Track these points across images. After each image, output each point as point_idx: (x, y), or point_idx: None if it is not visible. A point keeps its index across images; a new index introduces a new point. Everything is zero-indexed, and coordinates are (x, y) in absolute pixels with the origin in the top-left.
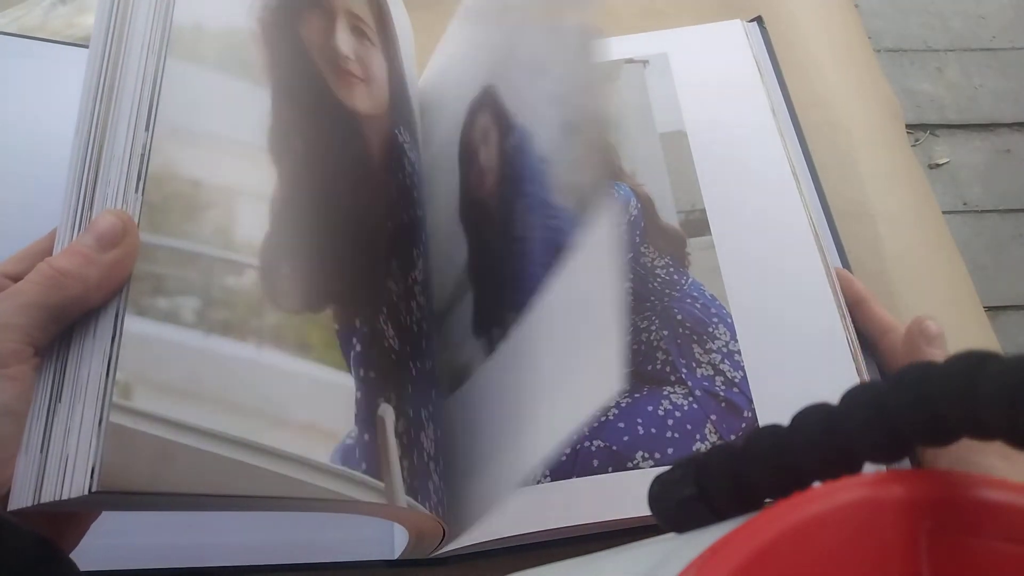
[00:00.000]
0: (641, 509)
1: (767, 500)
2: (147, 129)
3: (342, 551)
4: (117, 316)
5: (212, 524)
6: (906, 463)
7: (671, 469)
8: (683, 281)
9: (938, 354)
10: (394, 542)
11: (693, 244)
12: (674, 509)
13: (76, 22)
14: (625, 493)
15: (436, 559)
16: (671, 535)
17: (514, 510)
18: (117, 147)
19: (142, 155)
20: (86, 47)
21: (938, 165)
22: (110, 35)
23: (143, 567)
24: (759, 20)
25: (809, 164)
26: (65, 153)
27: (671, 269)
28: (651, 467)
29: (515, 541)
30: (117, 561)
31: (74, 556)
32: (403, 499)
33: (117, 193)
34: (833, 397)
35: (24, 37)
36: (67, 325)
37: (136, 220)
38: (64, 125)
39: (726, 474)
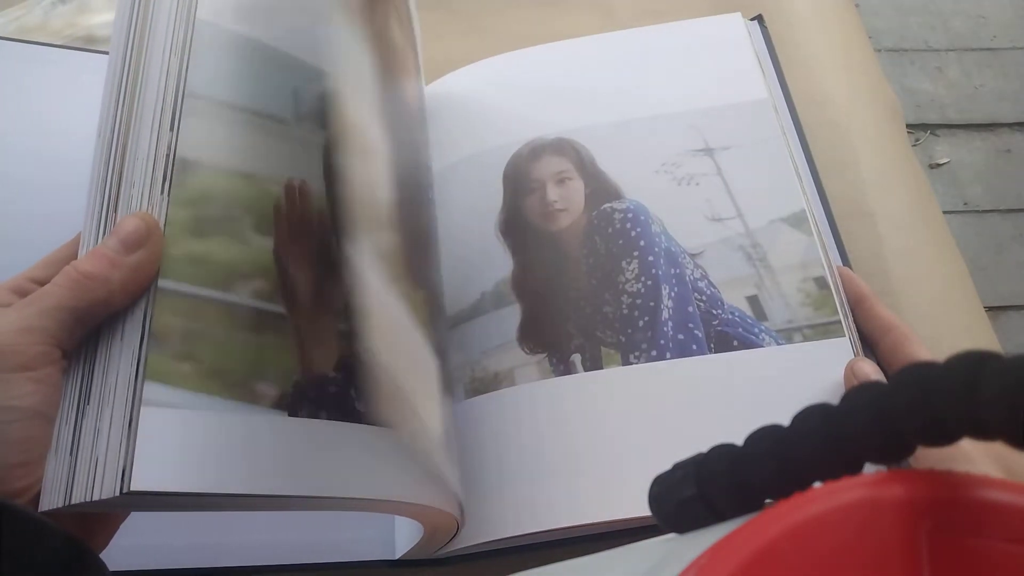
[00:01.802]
0: (641, 509)
1: (767, 500)
2: (172, 129)
3: (343, 551)
4: (145, 318)
5: (212, 524)
6: (907, 463)
7: (671, 469)
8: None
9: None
10: (395, 542)
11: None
12: (674, 509)
13: (77, 22)
14: (625, 493)
15: (437, 559)
16: (671, 535)
17: (514, 510)
18: (141, 148)
19: (167, 155)
20: (88, 51)
21: (938, 165)
22: (131, 34)
23: (142, 568)
24: (759, 19)
25: (810, 163)
26: (79, 156)
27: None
28: None
29: (515, 541)
30: (112, 562)
31: None
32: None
33: (142, 195)
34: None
35: (25, 42)
36: (93, 327)
37: (162, 221)
38: (75, 129)
39: (726, 474)
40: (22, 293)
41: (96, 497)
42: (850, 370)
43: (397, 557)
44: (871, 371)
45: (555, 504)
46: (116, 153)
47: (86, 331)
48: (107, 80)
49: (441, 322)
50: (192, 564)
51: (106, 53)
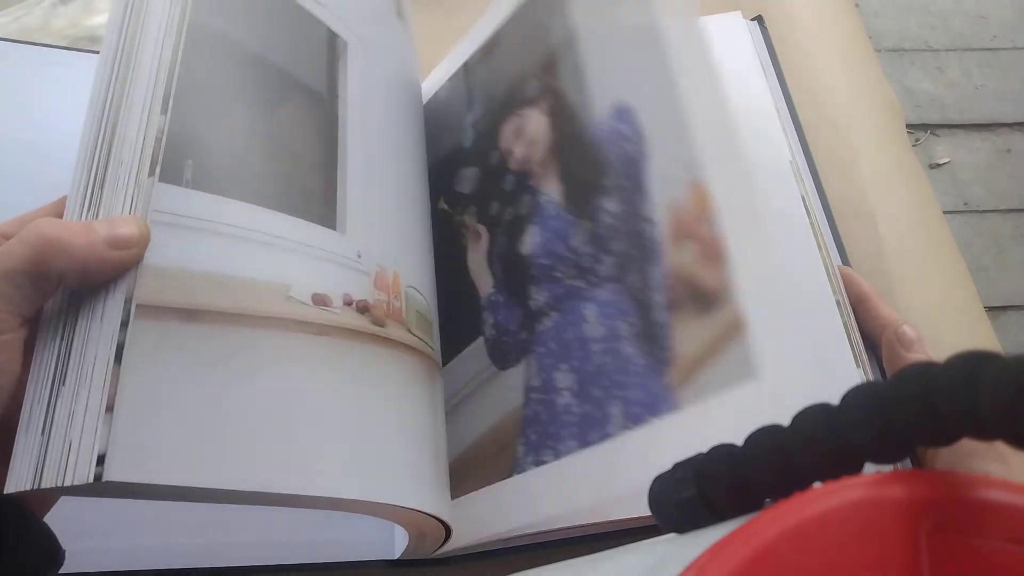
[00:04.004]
0: (641, 509)
1: (767, 500)
2: (163, 112)
3: (342, 551)
4: (128, 302)
5: (211, 524)
6: (907, 463)
7: (671, 469)
8: None
9: (918, 358)
10: (394, 542)
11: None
12: (674, 509)
13: (80, 22)
14: (626, 493)
15: (436, 559)
16: (671, 535)
17: (514, 509)
18: (131, 128)
19: (157, 139)
20: (82, 51)
21: (939, 165)
22: (127, 17)
23: (142, 568)
24: (760, 19)
25: (810, 163)
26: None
27: None
28: None
29: (515, 541)
30: (112, 562)
31: (76, 557)
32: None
33: (130, 174)
34: (835, 396)
35: (24, 43)
36: (50, 296)
37: (150, 206)
38: (67, 130)
39: (726, 474)
40: None
41: (68, 483)
42: (893, 335)
43: (396, 557)
44: (914, 336)
45: (554, 504)
46: (106, 130)
47: (44, 298)
48: (101, 57)
49: (435, 328)
50: (192, 564)
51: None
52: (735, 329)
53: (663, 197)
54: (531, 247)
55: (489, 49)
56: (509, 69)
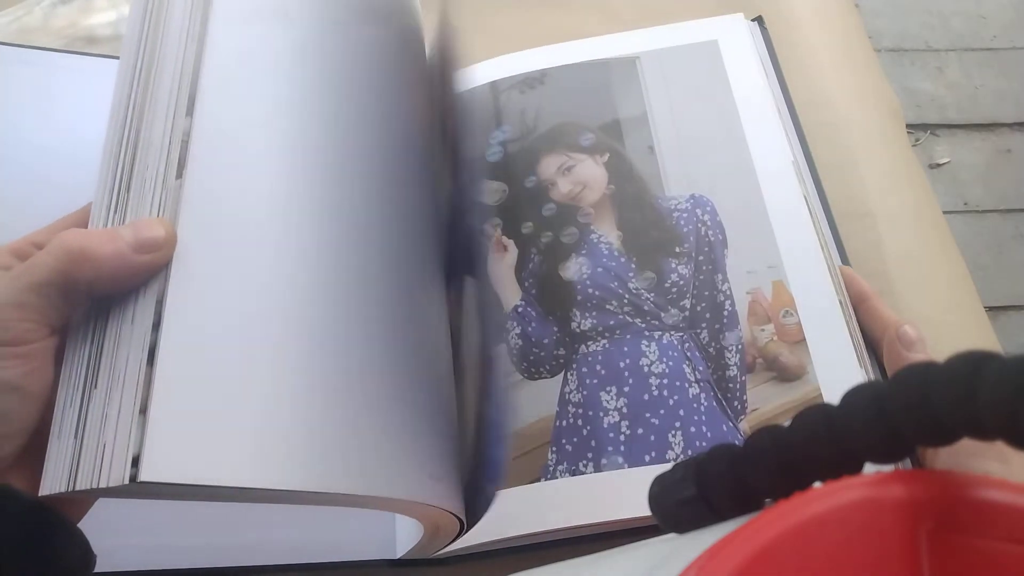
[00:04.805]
0: (641, 509)
1: (767, 500)
2: (188, 115)
3: (343, 551)
4: (160, 303)
5: (212, 524)
6: (907, 463)
7: (672, 469)
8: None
9: (919, 358)
10: (396, 542)
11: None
12: (674, 509)
13: (78, 22)
14: (626, 493)
15: (437, 559)
16: (671, 535)
17: (514, 510)
18: (155, 133)
19: (183, 141)
20: (84, 55)
21: (939, 165)
22: (147, 18)
23: (142, 568)
24: (760, 20)
25: (810, 163)
26: (85, 159)
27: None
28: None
29: (515, 541)
30: (112, 563)
31: None
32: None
33: (156, 178)
34: (835, 396)
35: (24, 47)
36: (80, 305)
37: (177, 209)
38: (77, 132)
39: (726, 474)
40: (23, 257)
41: (103, 484)
42: (895, 335)
43: (398, 557)
44: (915, 336)
45: (554, 505)
46: (129, 134)
47: (74, 308)
48: (122, 62)
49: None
50: (192, 564)
51: (107, 57)
52: (813, 399)
53: (744, 283)
54: (576, 275)
55: (531, 82)
56: (557, 110)
